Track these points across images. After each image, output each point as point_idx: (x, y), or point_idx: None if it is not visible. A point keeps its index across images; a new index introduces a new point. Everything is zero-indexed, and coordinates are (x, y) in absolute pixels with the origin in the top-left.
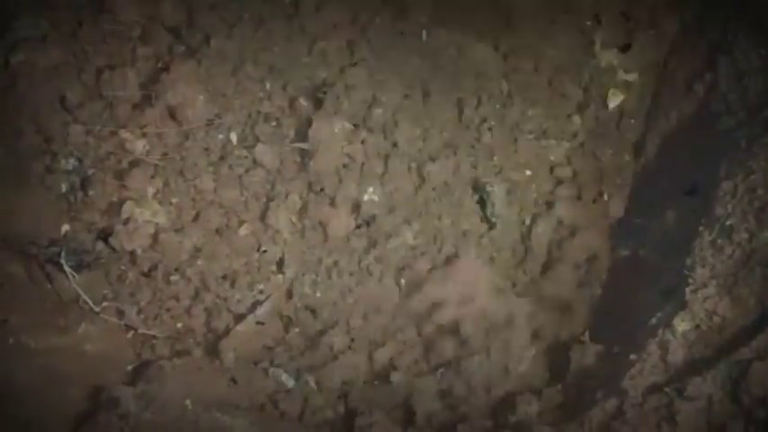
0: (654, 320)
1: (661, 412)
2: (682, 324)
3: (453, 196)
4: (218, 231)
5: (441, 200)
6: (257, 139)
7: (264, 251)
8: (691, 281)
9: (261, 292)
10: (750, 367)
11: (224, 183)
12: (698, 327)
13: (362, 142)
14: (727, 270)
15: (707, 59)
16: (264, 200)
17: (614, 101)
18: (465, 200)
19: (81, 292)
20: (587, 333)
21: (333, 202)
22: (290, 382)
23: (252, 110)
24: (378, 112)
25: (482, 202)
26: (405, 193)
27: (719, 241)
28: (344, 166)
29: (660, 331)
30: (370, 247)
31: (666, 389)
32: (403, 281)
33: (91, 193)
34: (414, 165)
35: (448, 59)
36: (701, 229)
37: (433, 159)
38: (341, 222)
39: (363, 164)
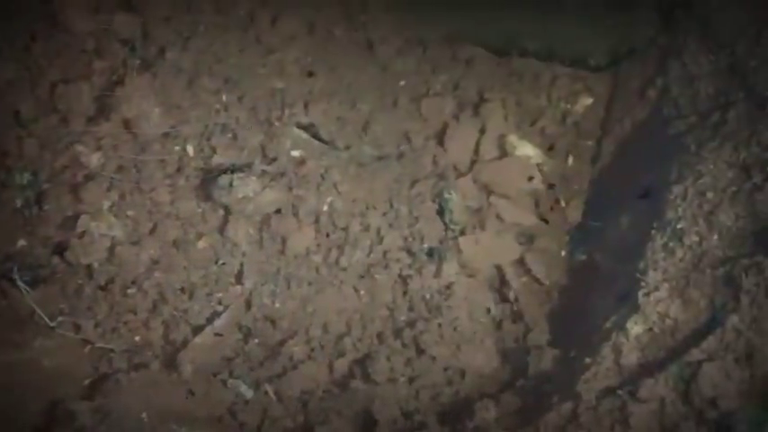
0: (608, 324)
1: (614, 415)
2: (635, 327)
3: (413, 203)
4: (175, 243)
5: (401, 208)
6: (214, 151)
7: (223, 264)
8: (643, 284)
9: (219, 303)
10: (701, 368)
11: (181, 195)
12: (650, 329)
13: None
14: (679, 273)
15: (658, 65)
16: (222, 212)
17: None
18: (424, 208)
19: (36, 307)
20: (545, 338)
21: (293, 213)
22: (249, 393)
23: (208, 121)
24: (336, 122)
25: (441, 210)
26: (364, 203)
27: (671, 244)
28: (303, 176)
29: (614, 334)
30: (329, 257)
31: (620, 391)
32: (362, 291)
33: (46, 207)
34: (372, 173)
35: (407, 69)
36: (653, 232)
37: (391, 166)
38: (302, 234)
39: (323, 174)
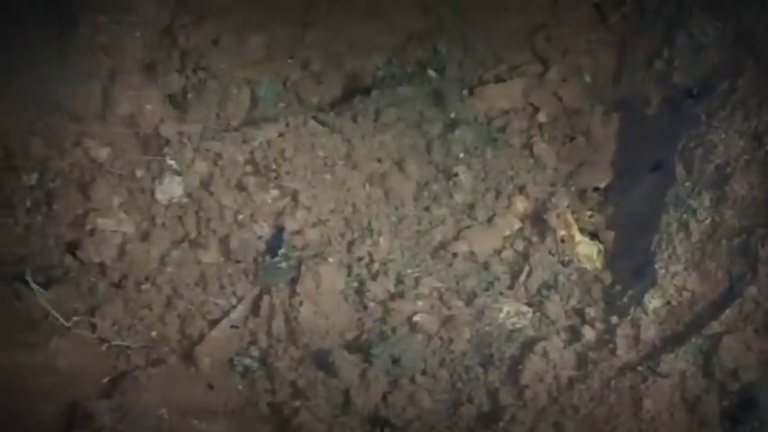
0: (625, 299)
1: (636, 390)
2: (652, 301)
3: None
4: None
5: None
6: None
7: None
8: (659, 257)
9: (234, 295)
10: (720, 341)
11: None
12: (668, 303)
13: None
14: (694, 245)
15: (664, 36)
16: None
17: None
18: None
19: (49, 307)
20: None
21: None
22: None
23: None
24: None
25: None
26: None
27: (685, 217)
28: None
29: (631, 309)
30: None
31: (640, 367)
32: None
33: (55, 206)
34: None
35: None
36: (666, 205)
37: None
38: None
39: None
